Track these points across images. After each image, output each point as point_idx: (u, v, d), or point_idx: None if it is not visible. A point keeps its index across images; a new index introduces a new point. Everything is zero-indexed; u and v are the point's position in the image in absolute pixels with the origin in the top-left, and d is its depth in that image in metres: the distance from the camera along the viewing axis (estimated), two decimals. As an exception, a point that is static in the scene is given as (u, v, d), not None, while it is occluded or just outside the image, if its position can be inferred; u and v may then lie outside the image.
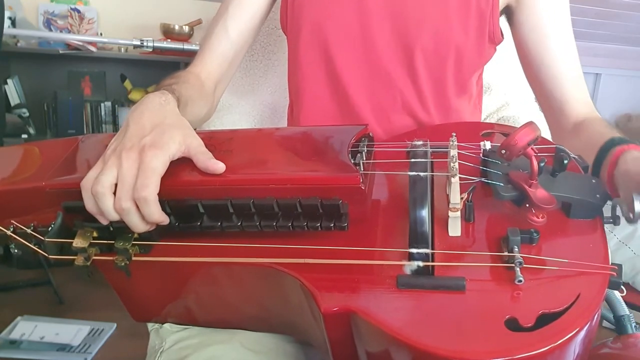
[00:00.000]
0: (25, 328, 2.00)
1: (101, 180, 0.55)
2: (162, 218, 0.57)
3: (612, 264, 0.50)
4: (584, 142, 0.74)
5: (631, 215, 0.53)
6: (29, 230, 0.62)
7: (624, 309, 0.72)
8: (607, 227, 0.59)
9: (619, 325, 0.70)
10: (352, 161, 0.57)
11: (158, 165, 0.55)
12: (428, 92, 0.84)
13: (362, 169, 0.57)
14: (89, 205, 0.57)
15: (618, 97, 4.07)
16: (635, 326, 0.71)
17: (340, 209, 0.55)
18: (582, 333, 0.46)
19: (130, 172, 0.55)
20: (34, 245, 0.62)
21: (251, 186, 0.57)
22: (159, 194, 0.55)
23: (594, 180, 0.58)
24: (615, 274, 0.50)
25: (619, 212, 0.55)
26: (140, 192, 0.54)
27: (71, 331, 1.99)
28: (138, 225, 0.56)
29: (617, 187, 0.60)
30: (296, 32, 0.85)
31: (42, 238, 0.61)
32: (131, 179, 0.55)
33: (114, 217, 0.56)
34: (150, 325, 0.79)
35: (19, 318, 2.05)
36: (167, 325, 0.74)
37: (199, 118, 0.77)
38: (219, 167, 0.58)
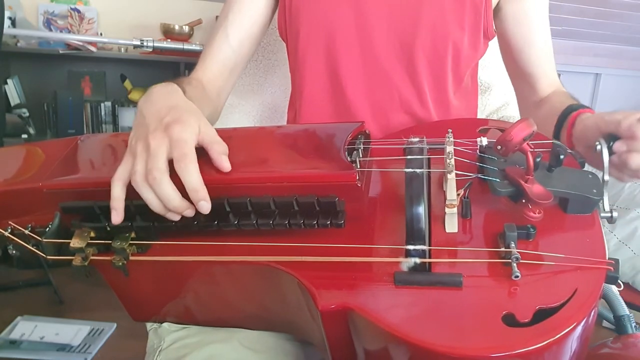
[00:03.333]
0: (25, 328, 1.99)
1: (136, 170, 0.54)
2: (203, 189, 0.54)
3: (609, 258, 0.50)
4: (547, 112, 0.82)
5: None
6: (26, 231, 0.62)
7: (624, 309, 0.72)
8: (607, 227, 0.59)
9: (619, 325, 0.70)
10: (349, 158, 0.57)
11: (188, 136, 0.55)
12: (427, 89, 0.85)
13: (358, 166, 0.57)
14: (116, 197, 0.56)
15: (618, 97, 4.06)
16: (635, 326, 0.71)
17: (336, 206, 0.54)
18: (580, 328, 0.46)
19: (161, 148, 0.54)
20: (32, 246, 0.62)
21: (248, 184, 0.57)
22: None
23: (590, 176, 0.58)
24: (612, 268, 0.49)
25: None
26: (180, 162, 0.53)
27: (71, 331, 1.99)
28: (171, 197, 0.54)
29: (575, 144, 0.71)
30: (295, 36, 0.86)
31: (40, 239, 0.61)
32: (163, 153, 0.54)
33: (154, 202, 0.54)
34: (149, 325, 0.79)
35: (19, 318, 2.05)
36: (165, 325, 0.74)
37: None
38: (225, 166, 0.58)
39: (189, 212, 0.55)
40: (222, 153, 0.58)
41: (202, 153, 0.60)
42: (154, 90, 0.63)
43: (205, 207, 0.54)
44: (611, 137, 0.61)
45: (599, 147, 0.61)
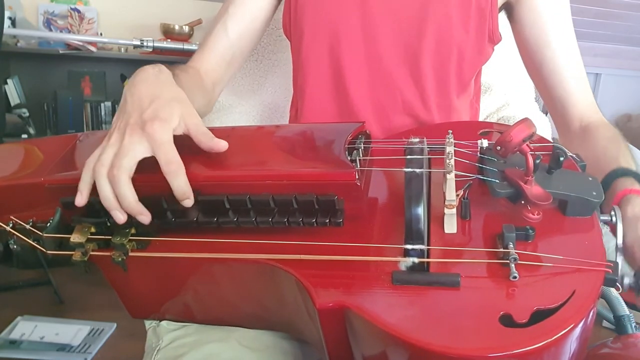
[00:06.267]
0: (25, 328, 2.00)
1: (101, 158, 0.55)
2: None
3: (608, 260, 0.50)
4: (588, 153, 0.71)
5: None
6: (27, 226, 0.62)
7: (624, 309, 0.72)
8: (608, 228, 0.59)
9: (619, 325, 0.69)
10: (349, 158, 0.57)
11: (167, 137, 0.55)
12: (431, 92, 0.84)
13: (358, 166, 0.57)
14: (84, 180, 0.57)
15: (618, 97, 4.06)
16: (635, 326, 0.71)
17: (335, 204, 0.54)
18: (577, 329, 0.46)
19: (133, 146, 0.54)
20: (33, 240, 0.62)
21: (248, 182, 0.57)
22: (156, 189, 0.56)
23: (590, 178, 0.58)
24: (610, 270, 0.49)
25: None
26: (168, 165, 0.54)
27: (71, 331, 1.99)
28: (127, 196, 0.55)
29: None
30: (299, 35, 0.86)
31: (41, 234, 0.61)
32: (134, 151, 0.54)
33: (107, 190, 0.55)
34: (147, 323, 0.79)
35: (19, 318, 2.05)
36: (164, 323, 0.74)
37: (195, 108, 0.77)
38: (222, 145, 0.59)
39: (143, 219, 0.57)
40: (209, 140, 0.59)
41: (198, 150, 0.60)
42: (141, 71, 0.63)
43: (189, 203, 0.56)
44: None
45: (614, 218, 0.59)
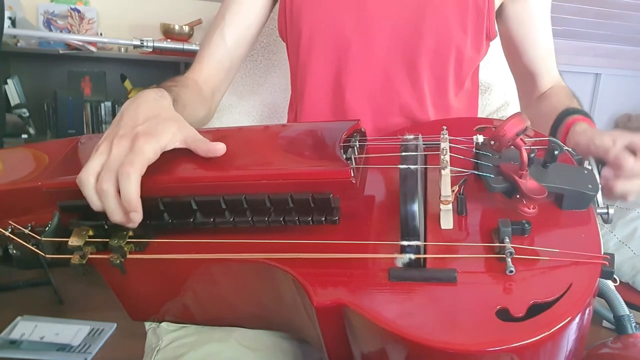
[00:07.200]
0: (25, 328, 2.00)
1: (88, 167, 0.55)
2: (137, 200, 0.54)
3: (605, 253, 0.50)
4: (544, 110, 0.83)
5: None
6: (26, 231, 0.62)
7: (624, 309, 0.72)
8: (607, 227, 0.60)
9: (619, 325, 0.69)
10: (344, 156, 0.57)
11: (149, 150, 0.55)
12: (428, 92, 0.84)
13: (353, 164, 0.57)
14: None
15: (618, 97, 4.06)
16: (635, 326, 0.71)
17: (331, 202, 0.55)
18: (574, 323, 0.46)
19: (118, 158, 0.54)
20: (32, 245, 0.62)
21: (244, 182, 0.57)
22: (153, 191, 0.56)
23: (585, 171, 0.58)
24: (607, 263, 0.49)
25: None
26: (125, 167, 0.53)
27: (71, 331, 1.99)
28: (115, 212, 0.55)
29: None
30: (296, 37, 0.86)
31: (39, 238, 0.61)
32: (118, 162, 0.54)
33: (96, 202, 0.55)
34: (147, 324, 0.79)
35: (19, 318, 2.05)
36: (164, 324, 0.74)
37: (196, 121, 0.77)
38: (219, 147, 0.59)
39: (133, 223, 0.56)
40: (206, 144, 0.59)
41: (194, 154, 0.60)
42: (143, 93, 0.63)
43: (136, 218, 0.55)
44: (600, 160, 0.64)
45: (589, 167, 0.63)
